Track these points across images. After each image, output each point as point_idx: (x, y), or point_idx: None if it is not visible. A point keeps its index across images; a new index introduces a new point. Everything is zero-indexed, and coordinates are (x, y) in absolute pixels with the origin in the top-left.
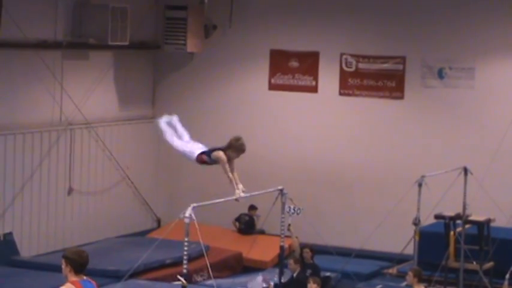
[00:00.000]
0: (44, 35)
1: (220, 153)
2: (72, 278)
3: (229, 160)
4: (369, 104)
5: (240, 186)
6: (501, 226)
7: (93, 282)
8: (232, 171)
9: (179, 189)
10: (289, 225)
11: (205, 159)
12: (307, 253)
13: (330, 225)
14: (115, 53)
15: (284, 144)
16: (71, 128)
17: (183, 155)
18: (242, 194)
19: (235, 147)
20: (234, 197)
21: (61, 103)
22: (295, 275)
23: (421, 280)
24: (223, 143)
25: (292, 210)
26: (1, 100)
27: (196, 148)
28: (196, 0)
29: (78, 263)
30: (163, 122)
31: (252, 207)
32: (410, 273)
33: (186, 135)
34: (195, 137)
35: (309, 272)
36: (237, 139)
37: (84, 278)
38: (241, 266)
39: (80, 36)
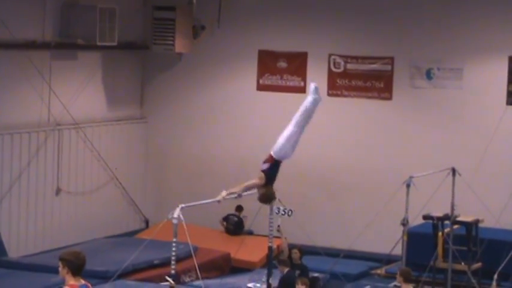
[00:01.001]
0: (32, 36)
1: (261, 181)
2: (71, 281)
3: (253, 189)
4: (357, 105)
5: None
6: (489, 227)
7: (90, 286)
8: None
9: (167, 189)
10: (279, 226)
11: (267, 165)
12: (295, 254)
13: (319, 226)
14: (103, 53)
15: (272, 145)
16: (59, 128)
17: (286, 134)
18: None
19: (266, 194)
20: (217, 199)
21: (49, 103)
22: (283, 274)
23: (408, 280)
24: (213, 141)
25: (282, 212)
26: None
27: (282, 154)
28: (184, 1)
29: (76, 264)
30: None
31: (239, 208)
32: (399, 273)
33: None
34: (184, 137)
35: (297, 272)
36: (271, 194)
37: (83, 282)
38: (230, 267)
39: (68, 36)
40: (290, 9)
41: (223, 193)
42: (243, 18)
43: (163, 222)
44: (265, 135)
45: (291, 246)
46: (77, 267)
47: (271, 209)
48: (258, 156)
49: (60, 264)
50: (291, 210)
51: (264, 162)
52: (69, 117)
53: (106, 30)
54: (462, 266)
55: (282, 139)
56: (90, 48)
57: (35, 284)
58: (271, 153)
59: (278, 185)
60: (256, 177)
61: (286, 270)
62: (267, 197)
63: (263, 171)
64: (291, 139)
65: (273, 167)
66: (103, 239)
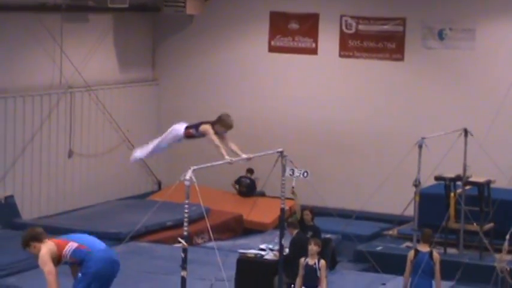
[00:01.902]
0: None
1: (207, 126)
2: (46, 245)
3: (217, 134)
4: (369, 66)
5: (244, 155)
6: (501, 187)
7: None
8: (228, 144)
9: (179, 151)
10: (293, 187)
11: (192, 132)
12: (307, 215)
13: (331, 187)
14: (115, 15)
15: (284, 106)
16: (71, 91)
17: (168, 143)
18: (244, 156)
19: (223, 122)
20: (228, 160)
21: (61, 66)
22: (293, 236)
23: (425, 241)
24: (224, 103)
25: (297, 173)
26: (1, 63)
27: (179, 126)
28: None
29: (36, 233)
30: (136, 154)
31: (250, 171)
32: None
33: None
34: (195, 99)
35: (309, 234)
36: (227, 115)
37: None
38: (242, 228)
39: None
40: None
41: (225, 155)
42: None
43: (175, 184)
44: (276, 96)
45: (303, 208)
46: (38, 234)
47: (283, 170)
48: (269, 117)
49: (28, 250)
50: (306, 172)
51: (193, 135)
52: (81, 80)
53: None
54: (474, 227)
55: (168, 135)
56: (101, 11)
57: None
58: (182, 136)
59: (290, 147)
60: (206, 131)
61: (295, 232)
62: (225, 120)
63: (197, 129)
64: (168, 141)
65: (192, 126)
66: (115, 201)
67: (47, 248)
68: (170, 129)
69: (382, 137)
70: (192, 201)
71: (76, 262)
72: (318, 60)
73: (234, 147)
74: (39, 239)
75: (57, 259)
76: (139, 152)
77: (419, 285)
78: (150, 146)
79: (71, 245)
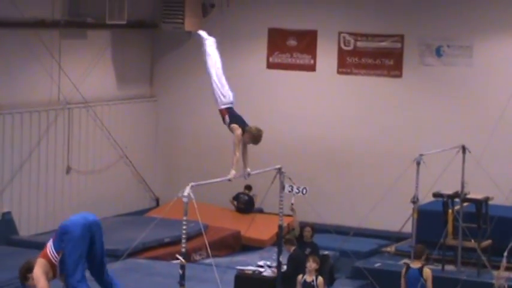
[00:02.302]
0: (42, 14)
1: (239, 131)
2: (39, 267)
3: (242, 142)
4: (367, 83)
5: (248, 169)
6: (499, 204)
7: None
8: (244, 153)
9: (177, 168)
10: (292, 204)
11: (226, 118)
12: (308, 232)
13: (329, 204)
14: (113, 32)
15: (282, 123)
16: (69, 107)
17: (212, 89)
18: (247, 171)
19: (252, 135)
20: (228, 177)
21: (59, 82)
22: (290, 253)
23: (416, 257)
24: (220, 122)
25: (296, 190)
26: None
27: (227, 99)
28: None
29: (29, 265)
30: (210, 41)
31: (248, 187)
32: None
33: (220, 69)
34: (193, 116)
35: (308, 250)
36: (259, 130)
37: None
38: (240, 245)
39: (78, 15)
40: None
41: (233, 172)
42: None
43: (173, 201)
44: (274, 112)
45: (304, 224)
46: (31, 266)
47: (281, 187)
48: (267, 133)
49: (27, 284)
50: (305, 189)
51: (224, 120)
52: (79, 96)
53: (115, 9)
54: (472, 244)
55: (214, 92)
56: (99, 27)
57: None
58: (219, 108)
59: (288, 164)
60: (234, 134)
61: (292, 249)
62: (255, 136)
63: (230, 123)
64: (216, 87)
65: (231, 114)
66: (113, 217)
67: (37, 265)
68: (225, 89)
69: (380, 154)
70: (190, 217)
71: (61, 251)
72: (316, 76)
73: (246, 159)
74: (32, 268)
75: (52, 269)
76: (206, 37)
77: None
78: (209, 56)
79: (50, 243)
